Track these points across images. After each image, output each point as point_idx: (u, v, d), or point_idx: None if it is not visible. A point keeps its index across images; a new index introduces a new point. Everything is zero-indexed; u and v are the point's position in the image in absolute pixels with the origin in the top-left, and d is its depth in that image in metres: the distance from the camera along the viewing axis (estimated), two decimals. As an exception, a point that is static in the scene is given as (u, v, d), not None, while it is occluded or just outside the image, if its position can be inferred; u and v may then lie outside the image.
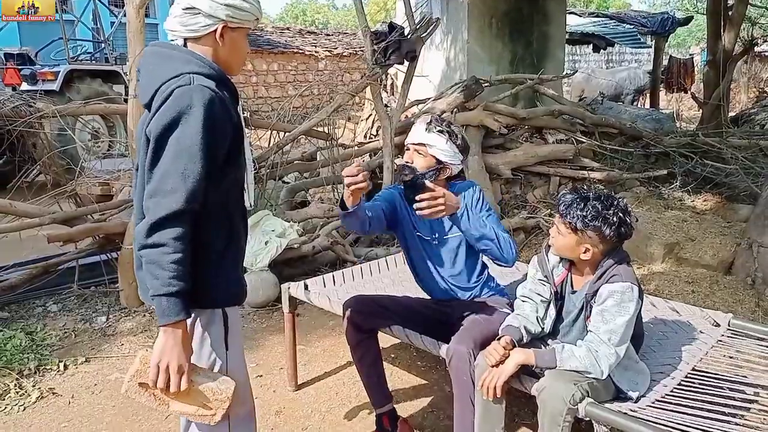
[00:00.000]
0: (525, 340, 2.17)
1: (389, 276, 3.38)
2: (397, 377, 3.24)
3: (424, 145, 2.40)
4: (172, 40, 1.66)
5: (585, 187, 2.15)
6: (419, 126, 2.44)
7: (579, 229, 2.04)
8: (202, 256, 1.59)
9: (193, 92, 1.51)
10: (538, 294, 2.26)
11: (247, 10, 1.64)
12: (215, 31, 1.62)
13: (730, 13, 8.68)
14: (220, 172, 1.59)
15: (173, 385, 1.53)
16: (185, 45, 1.64)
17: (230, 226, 1.68)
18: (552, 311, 2.25)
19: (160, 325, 1.52)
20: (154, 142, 1.53)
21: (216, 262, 1.64)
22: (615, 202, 2.05)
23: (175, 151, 1.50)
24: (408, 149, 2.46)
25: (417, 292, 2.78)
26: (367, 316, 2.57)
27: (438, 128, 2.39)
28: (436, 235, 2.53)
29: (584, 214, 2.01)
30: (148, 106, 1.61)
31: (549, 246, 2.23)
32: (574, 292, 2.20)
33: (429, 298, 2.70)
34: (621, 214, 2.02)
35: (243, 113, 1.77)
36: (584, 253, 2.08)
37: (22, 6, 8.15)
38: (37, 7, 8.24)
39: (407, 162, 2.42)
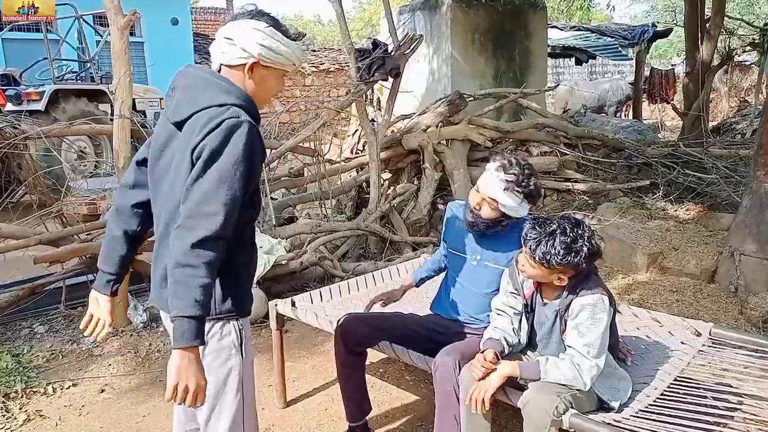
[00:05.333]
0: (506, 352, 2.20)
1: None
2: (385, 391, 3.25)
3: (496, 201, 2.31)
4: (211, 62, 1.73)
5: (544, 217, 2.15)
6: (496, 179, 2.29)
7: (551, 266, 2.04)
8: (224, 271, 1.67)
9: (241, 126, 1.59)
10: (511, 306, 2.29)
11: (282, 53, 1.69)
12: (246, 64, 1.68)
13: (707, 25, 8.85)
14: (250, 199, 1.68)
15: (198, 402, 1.55)
16: (219, 70, 1.71)
17: (250, 245, 1.81)
18: (525, 323, 2.28)
19: (175, 348, 1.52)
20: (201, 164, 1.57)
21: (236, 278, 1.75)
22: (580, 233, 2.03)
23: (218, 177, 1.55)
24: (478, 191, 2.36)
25: (404, 306, 2.80)
26: (360, 340, 2.56)
27: (517, 189, 2.26)
28: (478, 257, 2.50)
29: (555, 251, 2.01)
30: (179, 123, 1.66)
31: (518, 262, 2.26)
32: (545, 304, 2.24)
33: (427, 313, 2.69)
34: (588, 244, 2.03)
35: None
36: (557, 280, 2.11)
37: (22, 6, 8.11)
38: (37, 7, 8.20)
39: (474, 208, 2.37)
